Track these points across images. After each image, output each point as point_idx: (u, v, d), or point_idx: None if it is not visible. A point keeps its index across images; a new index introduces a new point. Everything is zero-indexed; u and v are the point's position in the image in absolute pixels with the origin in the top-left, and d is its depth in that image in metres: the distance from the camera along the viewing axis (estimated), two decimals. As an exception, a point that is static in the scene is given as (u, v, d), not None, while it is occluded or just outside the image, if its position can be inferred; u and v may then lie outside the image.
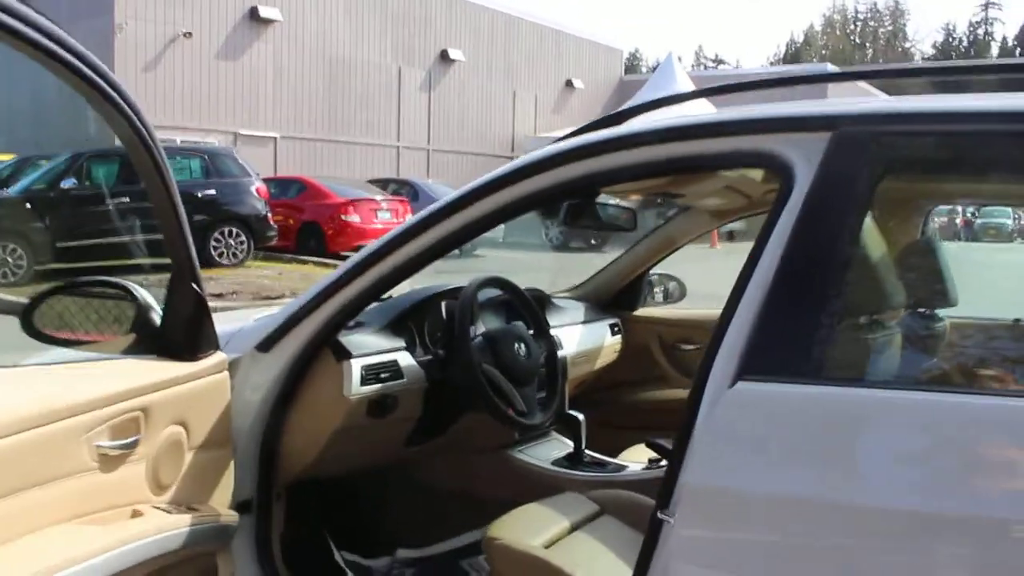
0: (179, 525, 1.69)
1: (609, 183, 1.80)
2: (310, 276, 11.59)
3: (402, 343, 2.40)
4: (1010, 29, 78.98)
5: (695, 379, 1.48)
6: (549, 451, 2.85)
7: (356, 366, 2.16)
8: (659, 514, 1.46)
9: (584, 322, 3.20)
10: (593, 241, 17.28)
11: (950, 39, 78.27)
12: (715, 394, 1.43)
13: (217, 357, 1.91)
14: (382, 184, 17.82)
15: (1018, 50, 71.92)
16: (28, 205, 11.65)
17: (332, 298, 1.96)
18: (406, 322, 2.47)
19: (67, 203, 11.77)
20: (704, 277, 4.05)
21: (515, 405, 2.50)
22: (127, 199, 11.11)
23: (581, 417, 2.80)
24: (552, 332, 2.83)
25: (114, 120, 1.59)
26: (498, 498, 2.38)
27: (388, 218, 14.72)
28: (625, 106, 2.28)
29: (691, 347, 3.39)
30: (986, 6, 77.41)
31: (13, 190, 12.38)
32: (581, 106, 29.59)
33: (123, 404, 1.62)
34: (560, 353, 2.84)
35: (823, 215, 1.47)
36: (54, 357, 1.86)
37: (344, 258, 2.79)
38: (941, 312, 2.08)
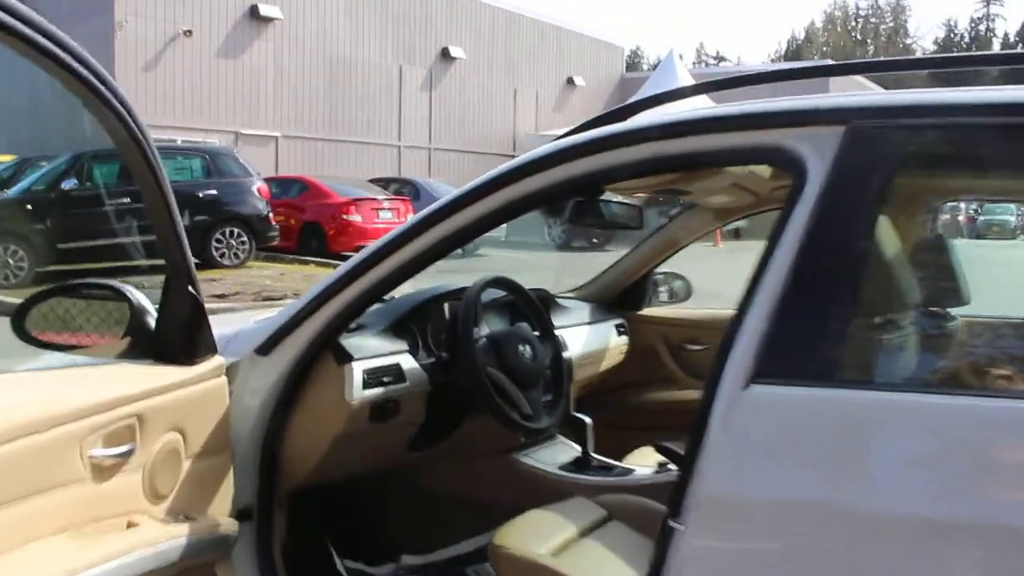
0: (176, 536, 1.64)
1: (614, 180, 1.76)
2: (312, 277, 11.57)
3: (404, 346, 2.35)
4: (1012, 25, 79.16)
5: (706, 382, 1.44)
6: (555, 455, 2.80)
7: (358, 369, 2.12)
8: (670, 522, 1.41)
9: (589, 323, 3.15)
10: (595, 240, 17.23)
11: (951, 35, 78.23)
12: (728, 398, 1.39)
13: (215, 361, 1.86)
14: (384, 183, 17.81)
15: (1019, 45, 71.83)
16: (29, 206, 11.63)
17: (332, 300, 1.92)
18: (408, 324, 2.42)
19: (68, 204, 11.72)
20: (708, 276, 4.02)
21: (520, 408, 2.46)
22: (128, 200, 11.06)
23: (588, 420, 2.75)
24: (557, 333, 2.78)
25: (107, 120, 1.55)
26: (503, 503, 2.33)
27: (390, 217, 14.71)
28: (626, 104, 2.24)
29: (698, 347, 3.35)
30: (987, 2, 77.35)
31: (14, 191, 12.36)
32: (582, 103, 29.50)
33: (117, 411, 1.57)
34: (565, 355, 2.80)
35: (838, 212, 1.42)
36: (46, 362, 1.82)
37: (346, 258, 2.75)
38: (955, 311, 2.03)
